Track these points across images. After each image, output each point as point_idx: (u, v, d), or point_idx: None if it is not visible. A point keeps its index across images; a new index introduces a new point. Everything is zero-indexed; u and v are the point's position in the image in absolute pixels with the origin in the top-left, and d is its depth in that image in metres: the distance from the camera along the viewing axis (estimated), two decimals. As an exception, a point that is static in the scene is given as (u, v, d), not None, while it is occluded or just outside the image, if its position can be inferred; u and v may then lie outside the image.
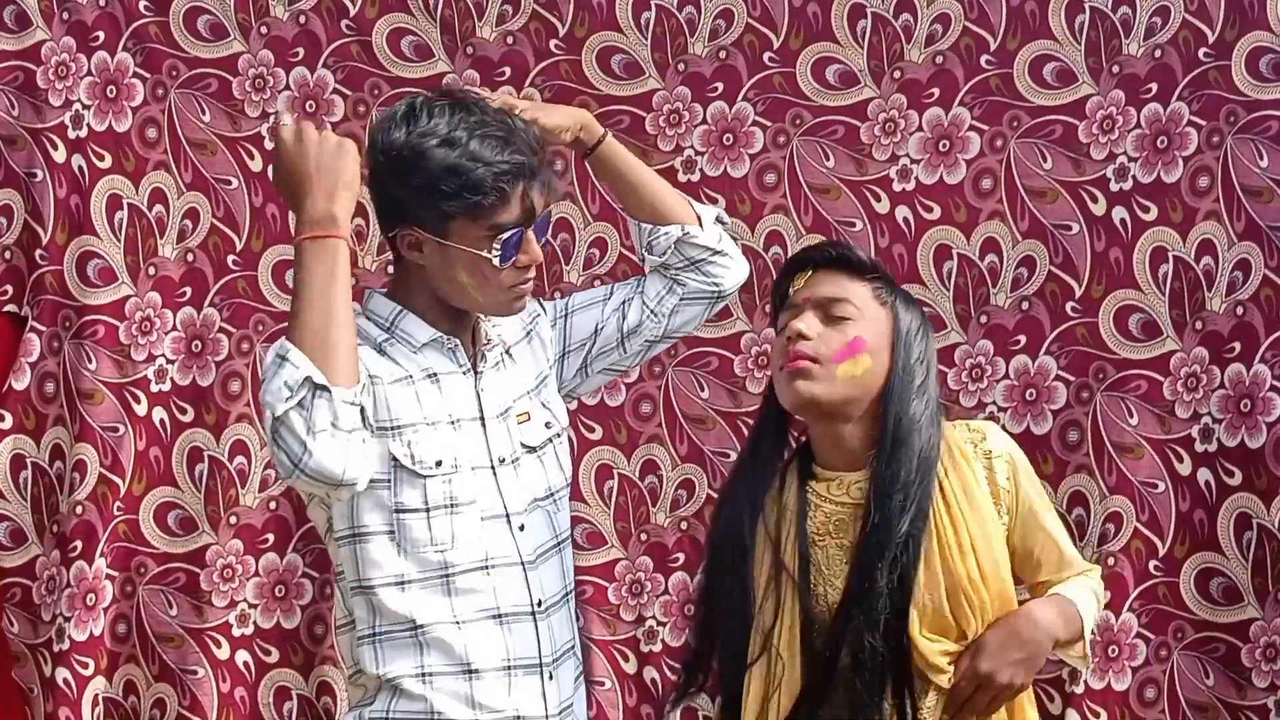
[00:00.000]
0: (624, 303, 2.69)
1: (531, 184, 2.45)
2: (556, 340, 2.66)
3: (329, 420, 2.26)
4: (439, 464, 2.45)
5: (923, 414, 2.48)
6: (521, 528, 2.49)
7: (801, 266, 2.53)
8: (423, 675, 2.46)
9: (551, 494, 2.58)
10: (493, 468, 2.50)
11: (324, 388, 2.26)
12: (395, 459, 2.43)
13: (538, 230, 2.49)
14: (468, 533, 2.45)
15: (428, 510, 2.44)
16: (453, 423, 2.48)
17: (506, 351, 2.59)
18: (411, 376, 2.47)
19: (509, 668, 2.47)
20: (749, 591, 2.52)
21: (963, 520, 2.45)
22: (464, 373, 2.53)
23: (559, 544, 2.58)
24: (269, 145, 2.50)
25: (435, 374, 2.49)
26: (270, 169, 2.51)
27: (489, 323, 2.58)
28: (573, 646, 2.59)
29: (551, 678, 2.51)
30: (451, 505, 2.45)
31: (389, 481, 2.45)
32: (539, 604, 2.51)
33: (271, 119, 2.44)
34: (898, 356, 2.47)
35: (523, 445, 2.56)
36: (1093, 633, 2.53)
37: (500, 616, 2.48)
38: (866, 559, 2.43)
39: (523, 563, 2.49)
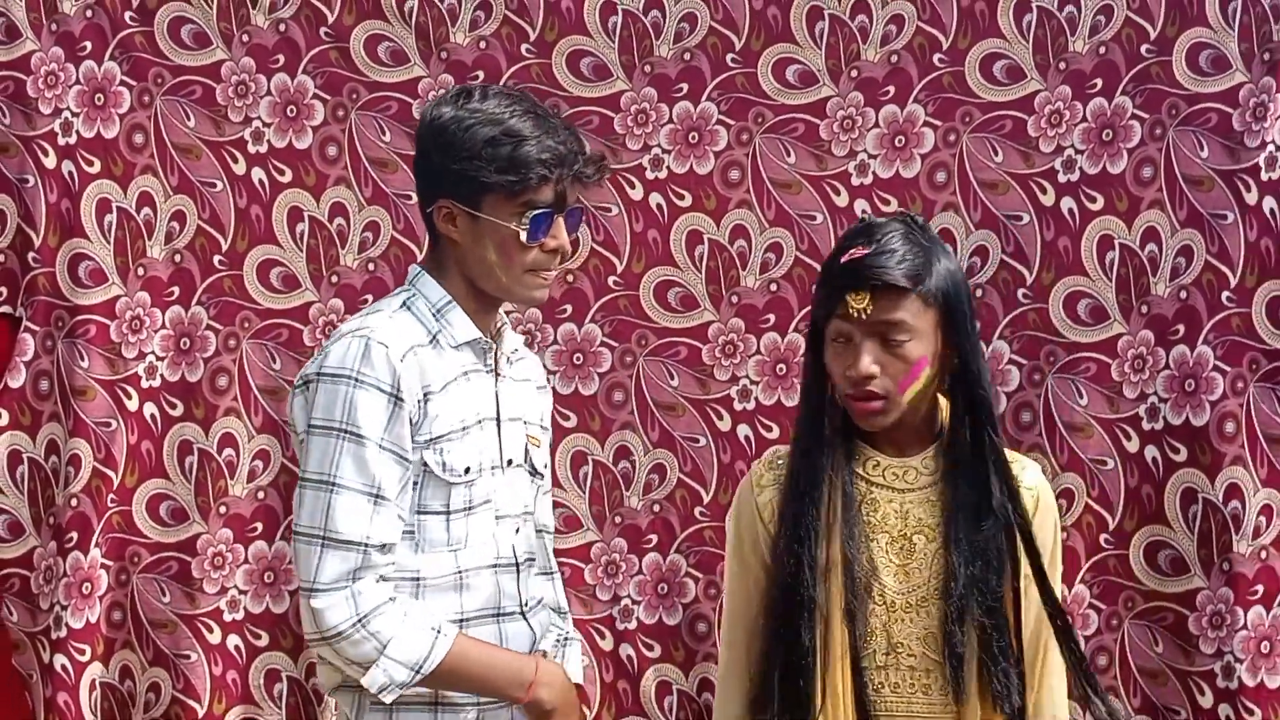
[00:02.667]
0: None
1: (568, 173, 2.51)
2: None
3: (390, 685, 2.43)
4: (468, 470, 2.52)
5: (988, 381, 2.50)
6: (518, 530, 2.59)
7: (856, 285, 2.43)
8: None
9: (533, 515, 2.67)
10: (503, 468, 2.58)
11: (400, 690, 2.43)
12: (427, 465, 2.49)
13: (569, 221, 2.56)
14: (480, 533, 2.53)
15: (449, 513, 2.51)
16: (479, 422, 2.55)
17: (514, 379, 2.65)
18: (454, 378, 2.53)
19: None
20: (796, 591, 2.46)
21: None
22: (488, 372, 2.59)
23: (533, 557, 2.67)
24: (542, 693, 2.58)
25: (468, 372, 2.55)
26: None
27: (511, 334, 2.66)
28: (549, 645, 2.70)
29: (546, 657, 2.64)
30: (469, 508, 2.53)
31: (417, 484, 2.50)
32: (525, 604, 2.61)
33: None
34: (960, 344, 2.46)
35: (529, 463, 2.65)
36: None
37: (499, 615, 2.57)
38: (963, 531, 2.44)
39: (517, 563, 2.59)
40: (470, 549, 2.52)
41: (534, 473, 2.67)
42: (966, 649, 2.42)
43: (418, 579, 2.50)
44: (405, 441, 2.46)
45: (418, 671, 2.41)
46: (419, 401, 2.48)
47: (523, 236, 2.51)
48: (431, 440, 2.49)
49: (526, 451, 2.64)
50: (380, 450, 2.44)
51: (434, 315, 2.55)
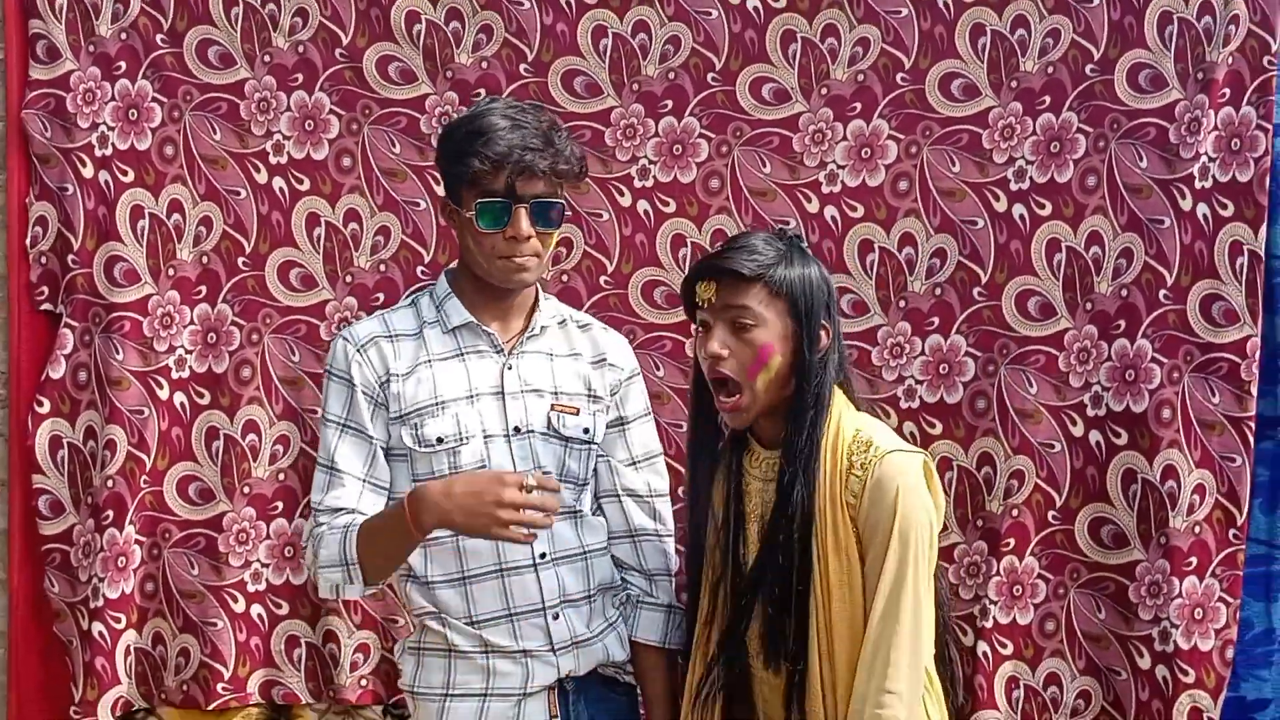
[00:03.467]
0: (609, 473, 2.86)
1: (525, 169, 2.61)
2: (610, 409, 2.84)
3: (336, 583, 2.66)
4: (440, 440, 2.65)
5: (819, 375, 2.53)
6: (529, 491, 2.60)
7: (703, 276, 2.60)
8: (440, 618, 2.68)
9: (576, 476, 2.74)
10: (508, 436, 2.68)
11: (351, 585, 2.63)
12: (405, 440, 2.68)
13: (534, 213, 2.64)
14: None
15: (434, 478, 2.64)
16: (470, 398, 2.67)
17: (549, 354, 2.76)
18: (430, 360, 2.68)
19: (511, 615, 2.66)
20: (701, 549, 2.68)
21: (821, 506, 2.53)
22: (496, 352, 2.72)
23: (573, 513, 2.74)
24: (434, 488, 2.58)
25: (463, 353, 2.70)
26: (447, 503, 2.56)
27: (549, 307, 2.78)
28: (588, 597, 2.74)
29: (557, 618, 2.68)
30: (456, 473, 2.63)
31: (407, 456, 2.69)
32: (542, 556, 2.67)
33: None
34: (801, 337, 2.53)
35: (554, 430, 2.72)
36: None
37: (502, 571, 2.66)
38: (773, 528, 2.55)
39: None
40: None
41: (565, 440, 2.73)
42: (759, 623, 2.56)
43: (422, 543, 2.62)
44: (364, 419, 2.70)
45: (345, 564, 2.62)
46: (380, 385, 2.68)
47: (477, 224, 2.64)
48: (403, 416, 2.68)
49: (550, 420, 2.72)
50: (341, 430, 2.70)
51: (436, 306, 2.74)
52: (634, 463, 2.87)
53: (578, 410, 2.75)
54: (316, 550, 2.64)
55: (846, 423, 2.58)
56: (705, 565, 2.70)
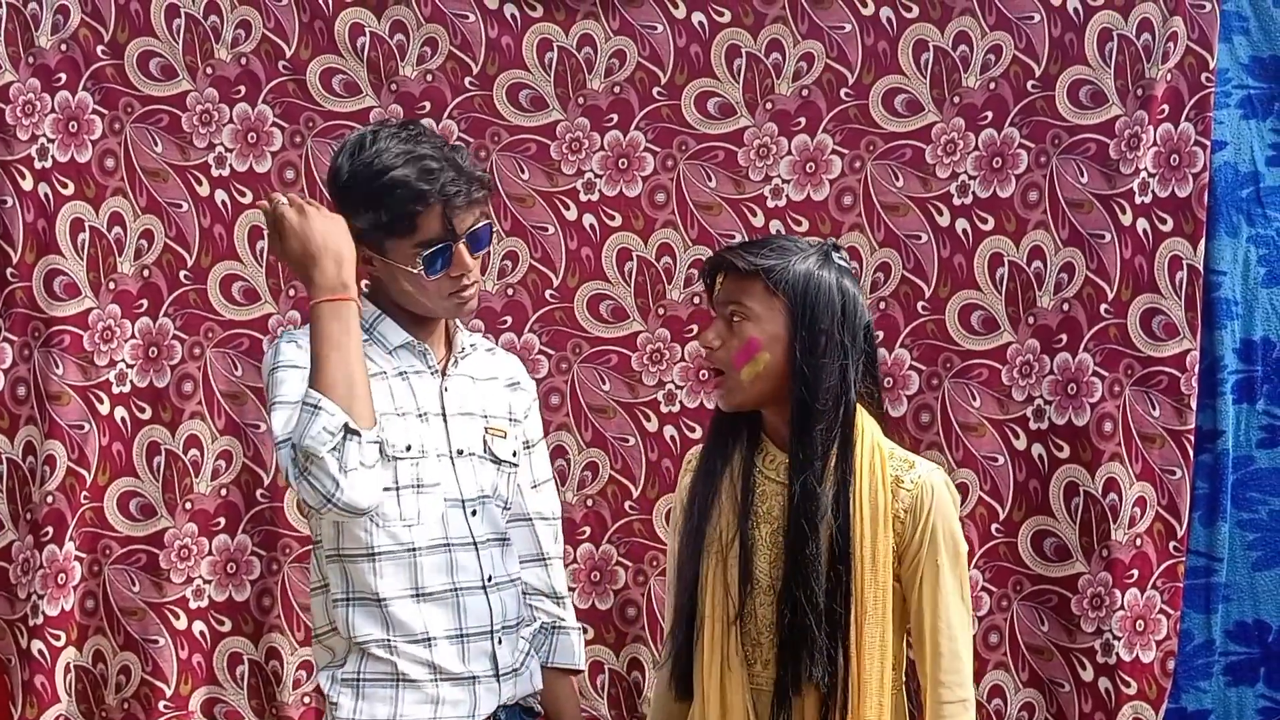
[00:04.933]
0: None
1: (452, 202, 2.56)
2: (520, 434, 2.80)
3: (358, 460, 2.40)
4: (409, 448, 2.59)
5: (832, 389, 2.47)
6: (474, 513, 2.63)
7: (712, 271, 2.60)
8: (388, 644, 2.59)
9: (503, 499, 2.72)
10: (452, 458, 2.64)
11: (355, 431, 2.38)
12: None
13: (472, 244, 2.60)
14: (431, 513, 2.59)
15: (398, 489, 2.57)
16: (420, 415, 2.63)
17: (471, 378, 2.71)
18: (385, 373, 2.62)
19: (462, 635, 2.61)
20: (698, 561, 2.59)
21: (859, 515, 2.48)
22: (432, 373, 2.67)
23: (503, 539, 2.71)
24: (264, 224, 2.55)
25: (405, 373, 2.65)
26: (272, 242, 2.56)
27: (464, 334, 2.72)
28: (518, 624, 2.71)
29: (501, 642, 2.65)
30: (418, 486, 2.59)
31: None
32: (489, 579, 2.64)
33: (267, 199, 2.51)
34: (797, 338, 2.48)
35: (490, 452, 2.69)
36: None
37: (456, 590, 2.61)
38: (796, 531, 2.48)
39: (475, 542, 2.62)
40: (424, 526, 2.58)
41: (498, 461, 2.71)
42: (785, 632, 2.50)
43: (372, 553, 2.57)
44: None
45: (313, 408, 2.40)
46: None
47: (424, 275, 2.58)
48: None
49: (485, 442, 2.70)
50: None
51: (366, 330, 2.63)
52: (536, 485, 2.87)
53: (505, 433, 2.75)
54: (294, 455, 2.43)
55: (880, 441, 2.57)
56: (704, 563, 2.62)
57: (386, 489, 2.55)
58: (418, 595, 2.60)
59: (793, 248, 2.55)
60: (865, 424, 2.55)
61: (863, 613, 2.48)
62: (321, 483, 2.39)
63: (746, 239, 2.59)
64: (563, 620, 2.86)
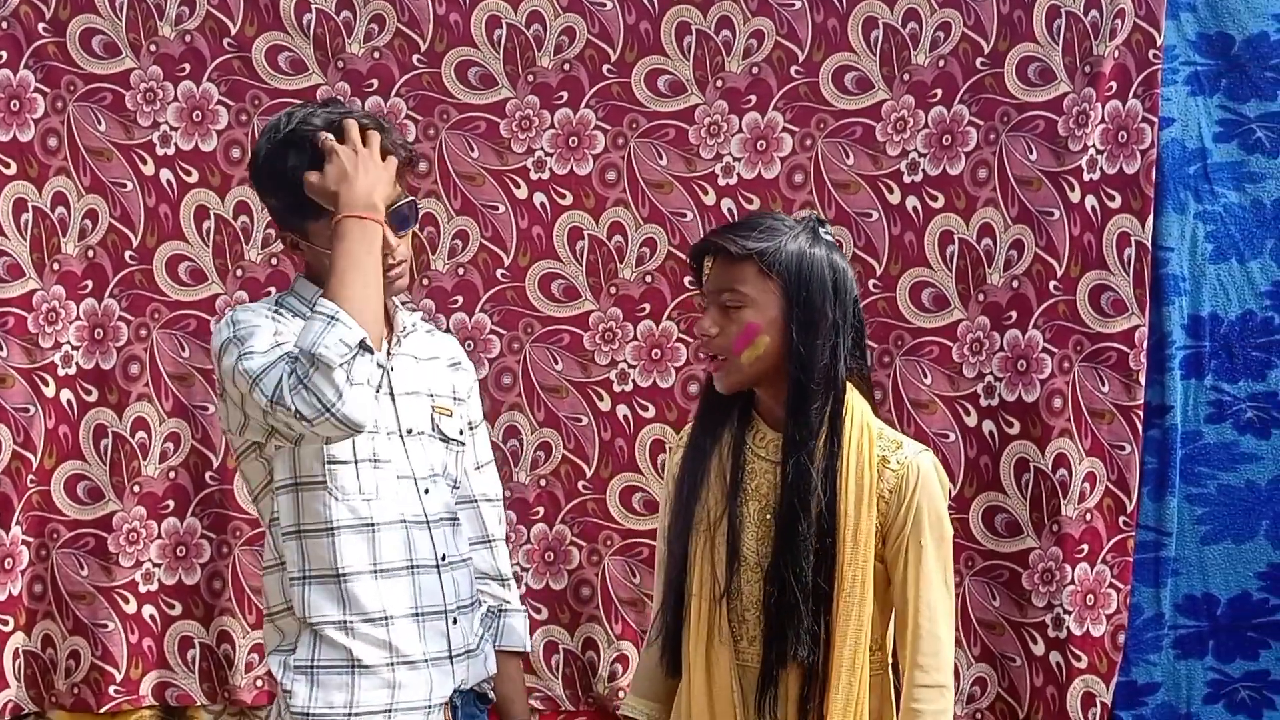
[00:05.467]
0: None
1: None
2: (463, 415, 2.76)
3: (365, 376, 2.38)
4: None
5: (825, 367, 2.45)
6: (426, 491, 2.61)
7: (700, 256, 2.55)
8: (344, 625, 2.54)
9: (452, 478, 2.70)
10: (402, 436, 2.61)
11: (369, 349, 2.37)
12: None
13: (396, 221, 2.54)
14: (388, 488, 2.56)
15: (356, 462, 2.54)
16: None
17: (414, 357, 2.68)
18: None
19: (418, 614, 2.58)
20: (687, 538, 2.56)
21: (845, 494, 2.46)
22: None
23: (454, 519, 2.68)
24: (312, 176, 2.45)
25: None
26: (313, 181, 2.48)
27: (404, 313, 2.68)
28: (471, 605, 2.67)
29: (455, 623, 2.61)
30: (375, 460, 2.56)
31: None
32: (443, 558, 2.61)
33: (323, 139, 2.44)
34: (793, 318, 2.46)
35: (438, 431, 2.67)
36: None
37: (413, 568, 2.58)
38: (788, 510, 2.46)
39: (428, 520, 2.59)
40: (382, 501, 2.55)
41: (446, 439, 2.70)
42: (771, 610, 2.50)
43: (331, 527, 2.52)
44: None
45: (328, 318, 2.38)
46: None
47: None
48: None
49: (433, 421, 2.68)
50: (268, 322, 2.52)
51: (310, 309, 2.52)
52: (480, 466, 2.86)
53: (451, 412, 2.73)
54: (294, 366, 2.37)
55: (870, 420, 2.56)
56: (692, 540, 2.61)
57: (344, 462, 2.54)
58: (376, 571, 2.56)
59: (780, 227, 2.52)
60: (855, 402, 2.55)
61: (841, 590, 2.49)
62: (323, 393, 2.35)
63: (735, 220, 2.51)
64: (508, 603, 2.84)
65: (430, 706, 2.58)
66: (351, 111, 2.58)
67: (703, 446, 2.59)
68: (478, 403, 2.85)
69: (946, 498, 2.58)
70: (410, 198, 2.60)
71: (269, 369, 2.40)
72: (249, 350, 2.46)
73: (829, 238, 2.56)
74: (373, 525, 2.56)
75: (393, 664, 2.56)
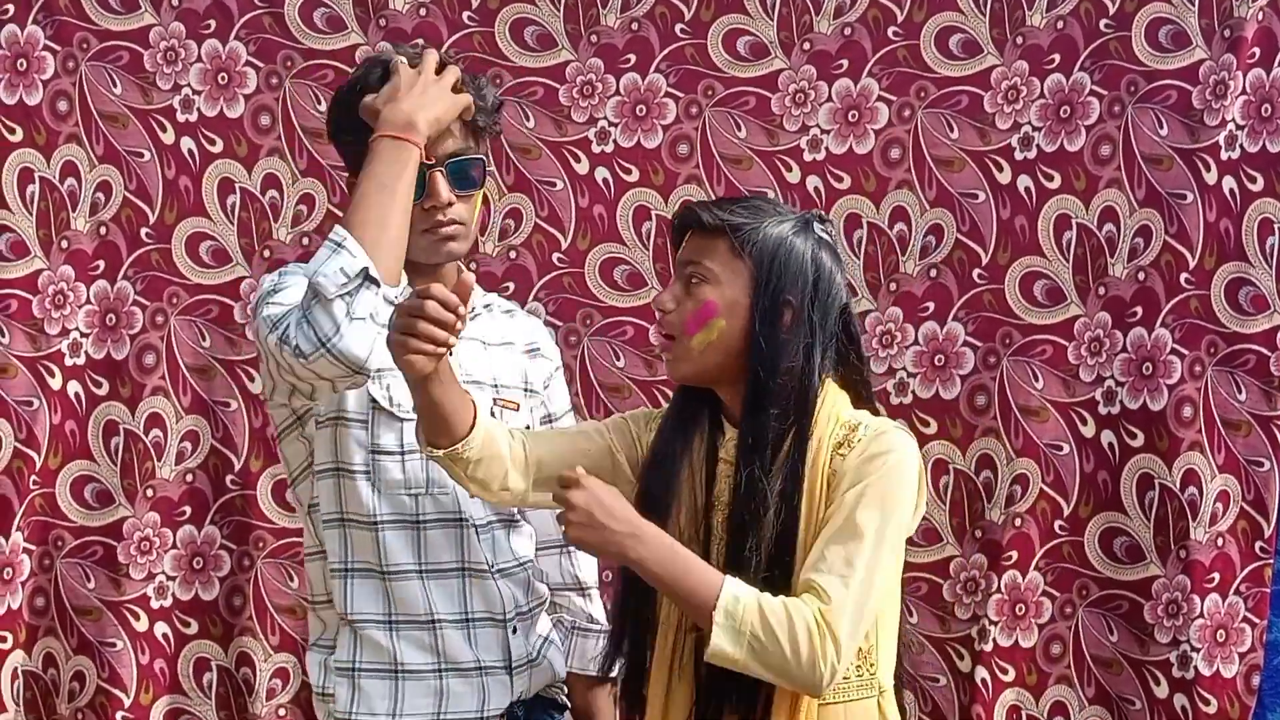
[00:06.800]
0: None
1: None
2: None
3: (368, 310, 2.30)
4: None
5: (791, 370, 2.37)
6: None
7: (681, 228, 2.50)
8: (388, 625, 2.53)
9: None
10: None
11: (375, 281, 2.31)
12: (374, 400, 2.50)
13: (454, 172, 2.50)
14: (437, 484, 2.51)
15: (403, 453, 2.51)
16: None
17: (482, 342, 2.63)
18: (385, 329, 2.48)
19: (469, 619, 2.54)
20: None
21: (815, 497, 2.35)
22: None
23: (510, 520, 2.62)
24: (367, 97, 2.45)
25: None
26: (366, 101, 2.47)
27: (479, 291, 2.64)
28: (531, 613, 2.61)
29: (515, 632, 2.58)
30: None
31: (366, 422, 2.51)
32: (493, 565, 2.56)
33: (394, 61, 2.46)
34: (757, 304, 2.40)
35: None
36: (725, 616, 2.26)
37: (464, 570, 2.53)
38: (736, 525, 2.37)
39: (475, 525, 2.55)
40: (431, 497, 2.53)
41: None
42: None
43: (375, 520, 2.50)
44: None
45: (336, 244, 2.34)
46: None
47: None
48: (375, 371, 2.46)
49: (494, 415, 2.60)
50: None
51: None
52: None
53: (518, 406, 2.68)
54: (302, 303, 2.33)
55: (841, 415, 2.41)
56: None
57: (391, 452, 2.52)
58: (422, 572, 2.53)
59: (769, 209, 2.45)
60: (828, 415, 2.39)
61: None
62: (320, 325, 2.29)
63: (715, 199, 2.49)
64: (592, 619, 2.81)
65: (483, 719, 2.58)
66: (457, 61, 2.60)
67: (672, 455, 2.46)
68: (562, 393, 2.82)
69: (923, 484, 2.38)
70: (481, 157, 2.58)
71: (288, 313, 2.38)
72: (277, 301, 2.45)
73: (824, 235, 2.46)
74: (419, 522, 2.54)
75: (440, 670, 2.55)
